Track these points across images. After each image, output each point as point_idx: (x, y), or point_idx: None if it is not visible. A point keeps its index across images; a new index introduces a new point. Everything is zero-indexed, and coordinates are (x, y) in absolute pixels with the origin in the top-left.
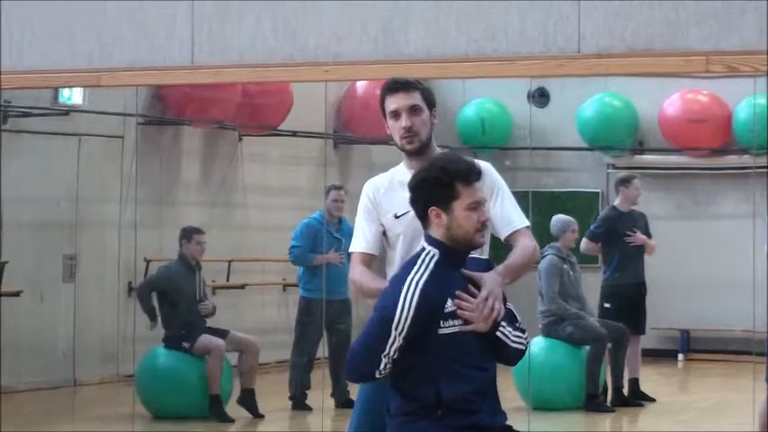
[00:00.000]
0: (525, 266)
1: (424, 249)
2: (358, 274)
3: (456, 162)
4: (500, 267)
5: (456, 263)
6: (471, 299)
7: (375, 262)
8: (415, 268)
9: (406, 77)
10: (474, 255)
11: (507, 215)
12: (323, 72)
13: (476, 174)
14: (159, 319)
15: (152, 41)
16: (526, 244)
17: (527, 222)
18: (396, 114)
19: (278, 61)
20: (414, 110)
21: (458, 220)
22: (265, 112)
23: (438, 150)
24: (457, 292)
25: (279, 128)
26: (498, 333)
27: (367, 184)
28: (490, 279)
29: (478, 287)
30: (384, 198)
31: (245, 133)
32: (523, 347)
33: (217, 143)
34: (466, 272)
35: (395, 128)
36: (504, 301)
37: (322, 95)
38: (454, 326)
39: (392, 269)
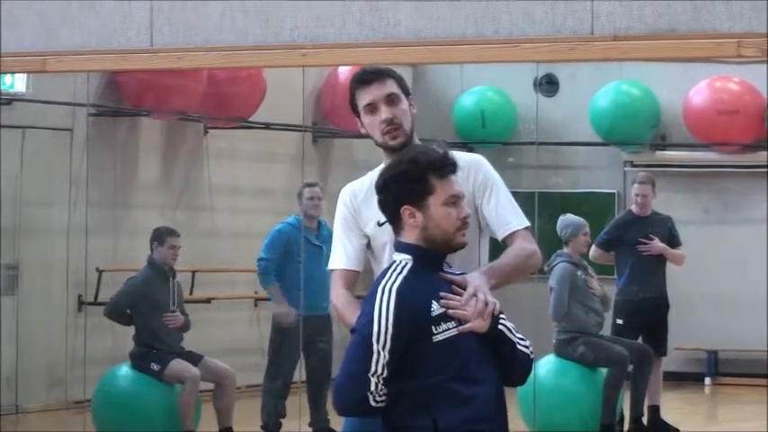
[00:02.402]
0: (518, 270)
1: (393, 262)
2: (340, 300)
3: (427, 153)
4: (484, 267)
5: (433, 267)
6: (459, 297)
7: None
8: (386, 278)
9: (377, 66)
10: (451, 271)
11: (504, 215)
12: (300, 56)
13: (450, 164)
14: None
15: (105, 21)
16: (523, 246)
17: (527, 223)
18: (372, 107)
19: (249, 44)
20: (391, 99)
21: (435, 218)
22: (234, 102)
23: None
24: (441, 293)
25: (250, 120)
26: (501, 327)
27: (343, 190)
28: (473, 277)
29: (463, 289)
30: (363, 205)
31: (211, 126)
32: (529, 352)
33: (179, 137)
34: (445, 275)
35: (373, 123)
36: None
37: (299, 83)
38: (449, 329)
39: None
